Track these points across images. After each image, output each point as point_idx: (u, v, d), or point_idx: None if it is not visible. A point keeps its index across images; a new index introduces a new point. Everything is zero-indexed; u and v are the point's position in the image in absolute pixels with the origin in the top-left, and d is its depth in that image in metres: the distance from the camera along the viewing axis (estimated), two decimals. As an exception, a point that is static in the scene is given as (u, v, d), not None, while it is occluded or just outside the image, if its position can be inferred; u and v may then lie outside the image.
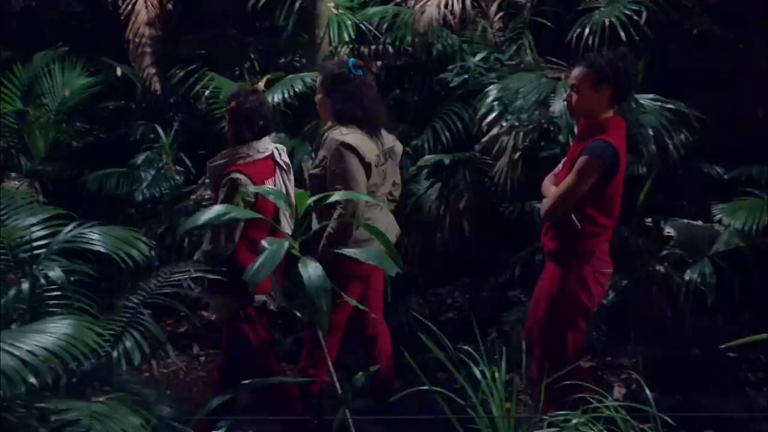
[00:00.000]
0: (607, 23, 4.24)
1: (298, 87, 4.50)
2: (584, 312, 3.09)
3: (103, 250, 2.75)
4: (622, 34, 4.20)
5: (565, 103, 3.19)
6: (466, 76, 4.61)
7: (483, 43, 4.92)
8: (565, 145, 3.88)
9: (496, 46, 4.85)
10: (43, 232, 2.85)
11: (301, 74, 4.70)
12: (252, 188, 3.00)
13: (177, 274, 2.86)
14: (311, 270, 2.30)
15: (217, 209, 2.62)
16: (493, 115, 4.24)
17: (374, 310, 3.38)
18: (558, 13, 4.78)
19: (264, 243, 2.42)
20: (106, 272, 3.83)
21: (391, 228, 3.37)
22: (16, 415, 2.14)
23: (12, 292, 2.63)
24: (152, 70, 5.55)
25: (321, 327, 2.28)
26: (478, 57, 4.67)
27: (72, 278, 2.76)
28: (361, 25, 5.21)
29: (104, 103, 5.75)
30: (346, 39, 5.09)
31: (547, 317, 3.09)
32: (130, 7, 5.62)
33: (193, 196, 4.78)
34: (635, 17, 4.24)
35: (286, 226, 3.21)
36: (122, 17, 5.63)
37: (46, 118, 5.65)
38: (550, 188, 3.14)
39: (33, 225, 2.87)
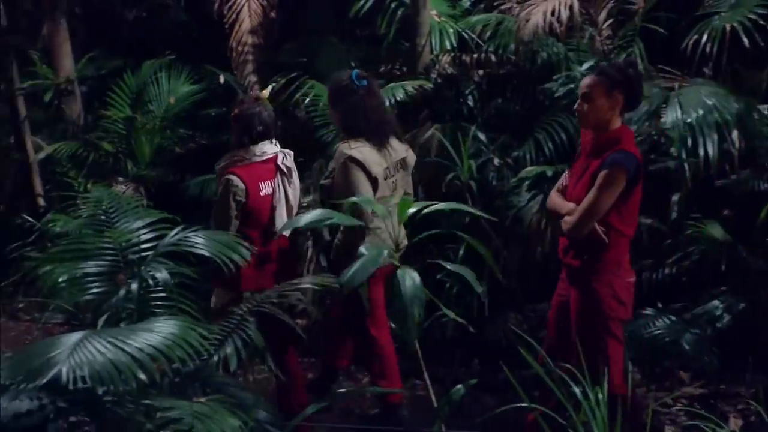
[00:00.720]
0: (728, 29, 4.09)
1: (399, 95, 4.58)
2: (620, 324, 3.09)
3: (206, 254, 2.89)
4: (746, 40, 4.03)
5: (576, 112, 3.17)
6: (572, 85, 4.56)
7: (590, 51, 4.85)
8: (677, 158, 3.78)
9: (604, 55, 4.77)
10: (149, 235, 3.03)
11: (402, 82, 4.79)
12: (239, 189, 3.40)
13: (289, 287, 2.95)
14: (409, 280, 2.35)
15: (316, 213, 2.72)
16: (601, 125, 4.20)
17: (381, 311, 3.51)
18: (672, 18, 4.66)
19: (362, 249, 2.49)
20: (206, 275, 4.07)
21: (402, 233, 3.35)
22: (125, 409, 2.29)
23: (121, 292, 2.81)
24: (254, 78, 5.77)
25: (409, 338, 2.29)
26: (585, 66, 4.60)
27: (176, 281, 2.90)
28: (464, 33, 5.25)
29: (207, 110, 6.04)
30: (448, 47, 5.13)
31: (587, 339, 3.01)
32: (234, 15, 5.87)
33: (291, 203, 4.93)
34: (761, 22, 4.07)
35: (285, 225, 3.47)
36: (226, 26, 5.90)
37: (152, 125, 6.01)
38: (559, 202, 3.14)
39: (140, 228, 3.06)
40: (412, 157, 3.66)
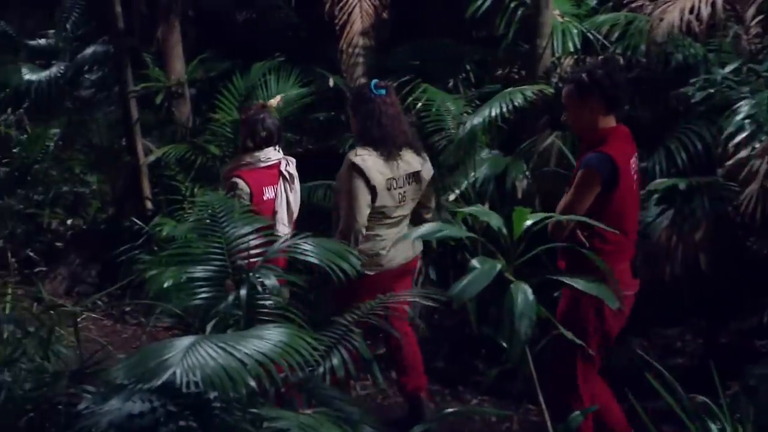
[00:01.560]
0: None
1: (518, 101, 4.56)
2: (597, 338, 3.10)
3: (316, 261, 2.97)
4: None
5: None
6: (711, 90, 4.38)
7: (734, 51, 4.65)
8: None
9: (750, 55, 4.55)
10: (258, 241, 3.14)
11: (520, 87, 4.75)
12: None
13: (396, 298, 2.99)
14: (521, 295, 2.35)
15: (429, 227, 2.77)
16: (744, 135, 4.04)
17: (399, 320, 3.69)
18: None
19: (474, 262, 2.50)
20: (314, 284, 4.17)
21: (409, 243, 3.77)
22: (233, 417, 2.38)
23: (230, 298, 2.92)
24: (363, 81, 5.87)
25: (512, 356, 2.27)
26: (728, 68, 4.41)
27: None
28: (589, 34, 5.15)
29: (315, 114, 6.18)
30: (571, 49, 5.05)
31: (555, 343, 2.92)
32: (345, 16, 6.00)
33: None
34: None
35: (285, 229, 3.90)
36: (337, 27, 6.03)
37: (259, 129, 6.25)
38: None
39: (250, 233, 3.17)
40: (428, 171, 3.87)
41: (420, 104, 5.13)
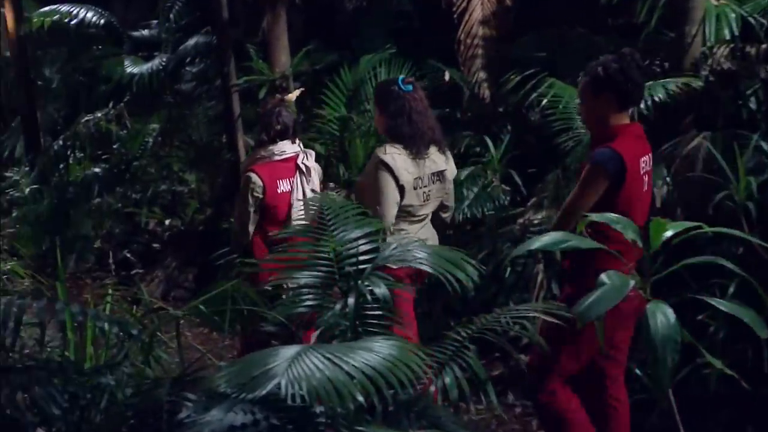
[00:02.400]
0: None
1: (659, 96, 4.43)
2: (592, 344, 3.20)
3: (429, 270, 2.99)
4: None
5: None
6: None
7: None
8: None
9: None
10: (368, 246, 3.18)
11: (664, 80, 4.62)
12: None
13: (515, 312, 2.96)
14: (661, 317, 2.28)
15: (551, 236, 2.73)
16: None
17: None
18: None
19: (603, 277, 2.46)
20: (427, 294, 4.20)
21: (430, 240, 3.97)
22: (338, 433, 2.43)
23: (336, 307, 2.99)
24: (482, 75, 5.87)
25: (659, 387, 2.21)
26: None
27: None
28: (750, 19, 4.93)
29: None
30: (727, 36, 4.85)
31: (552, 346, 3.16)
32: (464, 4, 6.00)
33: (520, 220, 4.91)
34: None
35: (301, 222, 4.05)
36: (455, 16, 6.05)
37: (368, 126, 6.28)
38: None
39: (359, 238, 3.22)
40: (452, 170, 4.15)
41: (545, 101, 5.06)
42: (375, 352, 2.42)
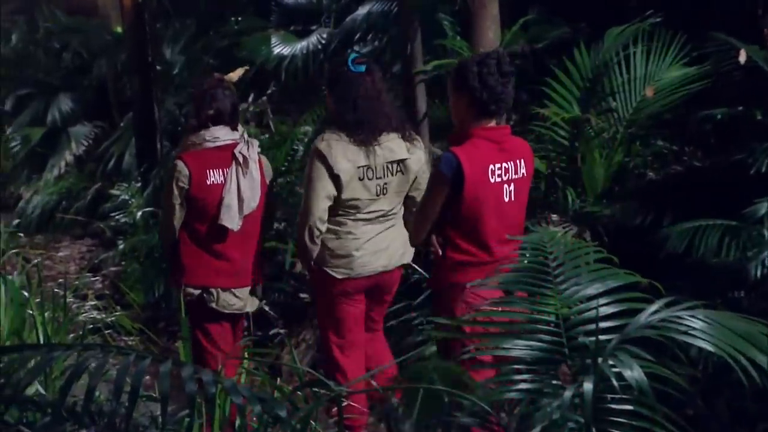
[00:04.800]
0: None
1: None
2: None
3: (709, 348, 2.87)
4: None
5: None
6: None
7: None
8: None
9: None
10: (612, 308, 3.15)
11: None
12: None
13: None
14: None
15: None
16: None
17: (375, 327, 5.18)
18: None
19: None
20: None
21: (392, 248, 4.91)
22: None
23: (566, 394, 2.90)
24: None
25: None
26: None
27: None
28: None
29: (709, 110, 5.98)
30: None
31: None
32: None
33: None
34: None
35: (232, 219, 5.02)
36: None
37: (613, 132, 6.23)
38: None
39: (598, 296, 3.20)
40: (417, 160, 4.91)
41: None
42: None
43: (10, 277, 5.59)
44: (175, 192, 5.05)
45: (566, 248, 3.47)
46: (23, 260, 6.37)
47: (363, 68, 4.83)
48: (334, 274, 4.89)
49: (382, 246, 4.89)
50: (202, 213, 5.07)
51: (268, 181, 5.25)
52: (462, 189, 4.25)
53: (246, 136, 5.21)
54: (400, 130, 4.89)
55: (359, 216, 4.83)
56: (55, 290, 5.91)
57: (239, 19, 9.87)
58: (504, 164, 4.32)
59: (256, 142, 5.24)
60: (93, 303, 6.61)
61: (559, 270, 3.36)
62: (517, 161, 4.37)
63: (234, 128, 5.14)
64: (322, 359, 5.39)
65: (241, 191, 5.06)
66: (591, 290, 3.23)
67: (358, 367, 5.05)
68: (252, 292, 5.24)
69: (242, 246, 5.12)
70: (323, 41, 8.94)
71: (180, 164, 5.06)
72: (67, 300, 5.71)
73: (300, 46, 8.94)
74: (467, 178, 4.22)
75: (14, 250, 7.02)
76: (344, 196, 4.79)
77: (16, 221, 11.38)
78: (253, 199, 5.11)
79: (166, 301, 8.07)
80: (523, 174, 4.39)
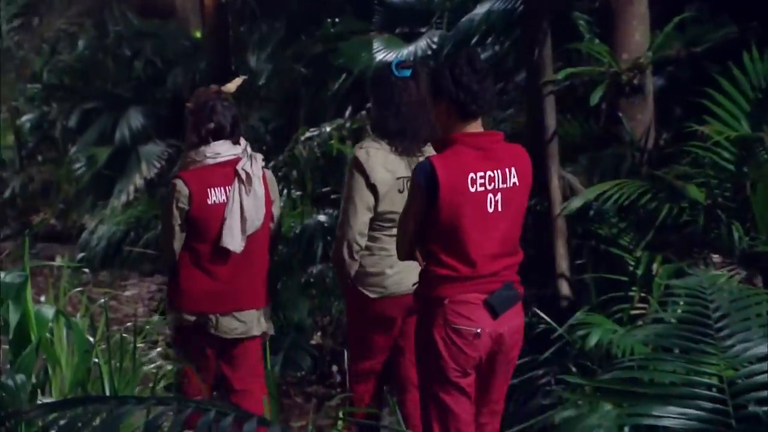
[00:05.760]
0: None
1: None
2: (443, 380, 4.63)
3: None
4: None
5: None
6: None
7: None
8: None
9: None
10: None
11: None
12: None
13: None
14: None
15: None
16: None
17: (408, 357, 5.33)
18: None
19: None
20: None
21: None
22: None
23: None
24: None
25: None
26: None
27: None
28: None
29: None
30: None
31: (421, 395, 4.83)
32: None
33: None
34: None
35: (234, 240, 5.41)
36: None
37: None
38: None
39: None
40: None
41: None
42: None
43: (74, 319, 5.65)
44: (175, 213, 5.43)
45: (731, 296, 3.54)
46: (87, 300, 6.41)
47: (408, 72, 5.24)
48: (367, 293, 5.28)
49: (417, 264, 5.12)
50: (203, 234, 5.45)
51: (273, 197, 5.66)
52: (437, 198, 4.51)
53: (249, 150, 5.58)
54: None
55: (394, 231, 5.00)
56: (123, 335, 5.93)
57: (336, 20, 9.87)
58: (489, 172, 4.56)
59: (260, 156, 5.63)
60: (163, 350, 6.67)
61: (722, 322, 3.42)
62: (506, 170, 4.60)
63: (236, 142, 5.50)
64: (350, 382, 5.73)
65: (244, 210, 5.44)
66: (763, 348, 3.27)
67: (372, 396, 5.54)
68: (264, 315, 5.64)
69: (246, 267, 5.51)
70: (434, 45, 8.84)
71: (179, 183, 5.44)
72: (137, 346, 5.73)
73: (407, 51, 8.87)
74: (441, 186, 4.49)
75: (77, 289, 7.10)
76: (381, 208, 5.20)
77: (80, 255, 11.51)
78: (257, 217, 5.49)
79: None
80: (514, 183, 4.62)
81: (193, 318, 5.47)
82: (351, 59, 9.05)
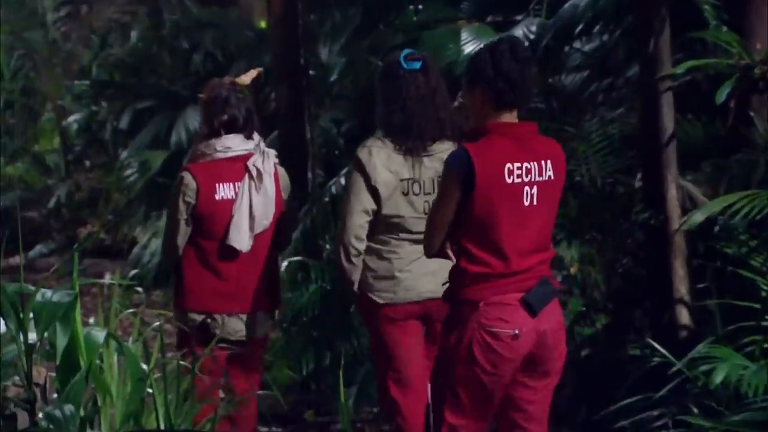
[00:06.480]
0: None
1: None
2: (472, 387, 4.78)
3: None
4: None
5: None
6: None
7: None
8: None
9: None
10: None
11: None
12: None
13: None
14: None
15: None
16: None
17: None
18: None
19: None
20: None
21: (443, 272, 4.95)
22: None
23: None
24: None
25: None
26: None
27: None
28: None
29: None
30: None
31: (435, 390, 5.00)
32: None
33: None
34: None
35: (242, 239, 5.70)
36: None
37: None
38: None
39: None
40: None
41: None
42: None
43: (126, 343, 5.61)
44: (181, 207, 5.73)
45: None
46: (140, 322, 6.41)
47: (418, 65, 5.43)
48: (376, 299, 5.46)
49: (430, 269, 5.33)
50: (209, 231, 5.75)
51: (285, 196, 5.93)
52: (473, 188, 4.66)
53: (262, 145, 5.88)
54: (456, 138, 5.39)
55: (403, 236, 5.37)
56: (180, 362, 5.92)
57: (419, 7, 9.80)
58: (525, 164, 4.73)
59: (272, 153, 5.92)
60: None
61: None
62: (542, 162, 4.77)
63: (249, 137, 5.80)
64: (379, 399, 5.93)
65: (253, 208, 5.74)
66: None
67: (417, 406, 5.50)
68: (269, 317, 5.97)
69: (252, 267, 5.79)
70: (532, 35, 8.65)
71: (187, 177, 5.74)
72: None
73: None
74: (478, 175, 4.64)
75: (129, 310, 7.08)
76: (385, 211, 5.39)
77: (132, 272, 11.52)
78: (266, 216, 5.78)
79: (318, 381, 8.08)
80: (549, 177, 4.78)
81: (199, 318, 5.74)
82: (436, 51, 8.88)
